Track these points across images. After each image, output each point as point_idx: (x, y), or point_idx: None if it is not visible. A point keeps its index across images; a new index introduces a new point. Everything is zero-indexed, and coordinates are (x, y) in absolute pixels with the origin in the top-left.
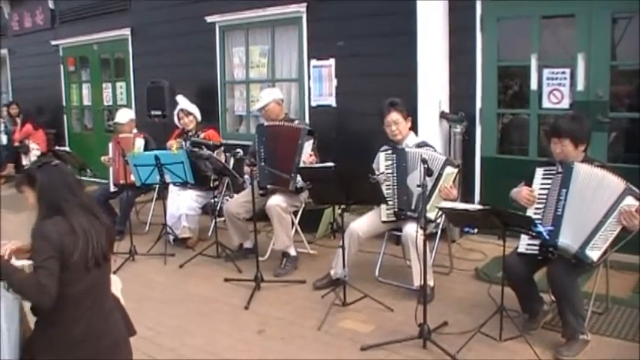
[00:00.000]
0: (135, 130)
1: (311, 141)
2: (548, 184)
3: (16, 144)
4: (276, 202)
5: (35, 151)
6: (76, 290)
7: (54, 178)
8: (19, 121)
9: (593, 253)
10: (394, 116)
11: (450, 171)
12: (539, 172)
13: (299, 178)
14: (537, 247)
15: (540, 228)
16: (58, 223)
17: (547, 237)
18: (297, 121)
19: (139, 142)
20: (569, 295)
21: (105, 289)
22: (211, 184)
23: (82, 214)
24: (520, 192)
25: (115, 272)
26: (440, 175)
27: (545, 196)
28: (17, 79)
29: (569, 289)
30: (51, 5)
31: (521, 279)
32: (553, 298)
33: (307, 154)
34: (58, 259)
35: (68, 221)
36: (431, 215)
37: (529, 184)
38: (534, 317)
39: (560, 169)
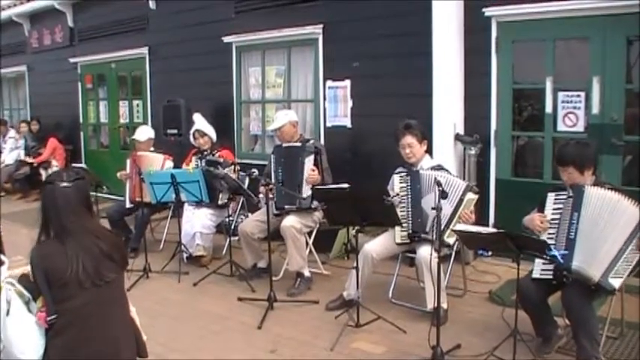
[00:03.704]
0: (152, 149)
1: (311, 157)
2: (560, 208)
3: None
4: (291, 222)
5: (55, 167)
6: (75, 305)
7: (55, 200)
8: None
9: (616, 281)
10: (408, 139)
11: (471, 197)
12: (551, 197)
13: (306, 193)
14: (552, 272)
15: (555, 252)
16: (48, 247)
17: (561, 261)
18: (312, 141)
19: (169, 164)
20: (584, 320)
21: (109, 308)
22: (219, 202)
23: (77, 238)
24: (532, 219)
25: (129, 289)
26: (461, 200)
27: (557, 221)
28: (35, 96)
29: (584, 314)
30: (70, 23)
31: (536, 303)
32: (567, 322)
33: (309, 170)
34: (44, 278)
35: (62, 244)
36: (450, 240)
37: (541, 210)
38: (548, 341)
39: (571, 194)
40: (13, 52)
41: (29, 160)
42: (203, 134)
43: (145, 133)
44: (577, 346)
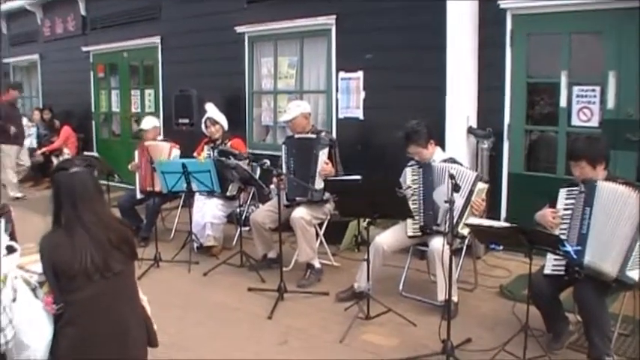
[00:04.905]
0: (160, 137)
1: (326, 149)
2: (572, 203)
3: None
4: (300, 214)
5: (66, 155)
6: (83, 296)
7: (63, 188)
8: (57, 123)
9: (634, 273)
10: (412, 149)
11: (482, 187)
12: (563, 192)
13: (318, 186)
14: (563, 268)
15: (568, 247)
16: (57, 238)
17: (574, 256)
18: (323, 133)
19: (175, 152)
20: (596, 316)
21: (119, 299)
22: (227, 194)
23: (86, 227)
24: (544, 215)
25: (139, 278)
26: (472, 191)
27: (569, 216)
28: (47, 84)
29: (597, 310)
30: (82, 12)
31: (547, 298)
32: (579, 318)
33: (323, 162)
34: (51, 270)
35: (69, 235)
36: (464, 232)
37: (553, 206)
38: (559, 337)
39: (583, 188)
40: (26, 40)
41: (41, 151)
42: (214, 122)
43: (149, 122)
44: (588, 343)
